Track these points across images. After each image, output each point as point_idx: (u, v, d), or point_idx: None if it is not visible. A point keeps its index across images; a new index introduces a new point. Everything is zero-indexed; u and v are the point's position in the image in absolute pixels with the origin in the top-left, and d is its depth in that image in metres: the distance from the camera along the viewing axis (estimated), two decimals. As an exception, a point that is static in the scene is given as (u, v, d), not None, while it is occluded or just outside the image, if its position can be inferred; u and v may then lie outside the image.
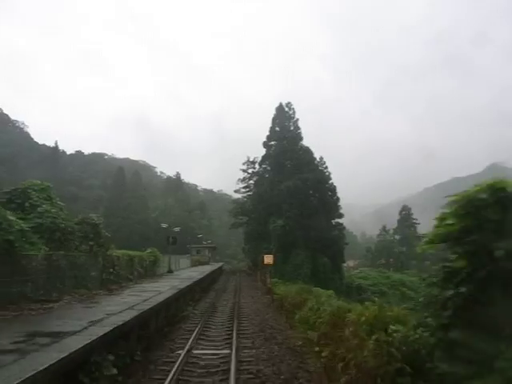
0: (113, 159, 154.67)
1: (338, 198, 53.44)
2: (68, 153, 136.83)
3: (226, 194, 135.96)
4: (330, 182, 53.65)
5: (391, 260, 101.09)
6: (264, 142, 58.06)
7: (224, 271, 59.57)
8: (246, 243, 62.41)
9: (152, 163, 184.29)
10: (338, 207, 53.45)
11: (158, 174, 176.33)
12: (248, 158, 58.10)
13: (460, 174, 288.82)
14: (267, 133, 58.15)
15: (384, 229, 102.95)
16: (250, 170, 58.46)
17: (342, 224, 53.91)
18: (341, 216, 53.83)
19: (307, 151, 52.91)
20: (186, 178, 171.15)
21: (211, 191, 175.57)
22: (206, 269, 36.98)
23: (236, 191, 58.91)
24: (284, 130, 56.85)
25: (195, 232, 73.08)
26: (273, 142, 58.20)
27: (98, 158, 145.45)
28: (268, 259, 29.34)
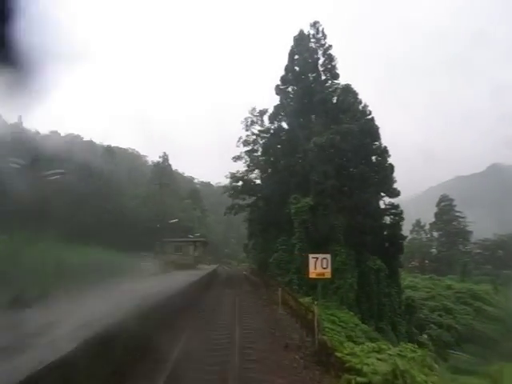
0: (100, 146, 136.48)
1: (391, 166, 34.40)
2: (42, 133, 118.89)
3: (224, 187, 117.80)
4: (379, 140, 34.68)
5: (426, 262, 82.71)
6: (277, 86, 38.93)
7: (219, 277, 40.91)
8: (250, 237, 43.24)
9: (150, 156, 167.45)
10: (392, 179, 34.46)
11: (150, 163, 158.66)
12: (253, 108, 38.72)
13: (463, 173, 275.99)
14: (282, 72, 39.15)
15: (418, 224, 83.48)
16: (256, 128, 39.07)
17: (398, 206, 34.86)
18: (397, 193, 34.76)
19: (347, 91, 33.64)
20: (185, 172, 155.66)
21: (209, 184, 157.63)
22: (166, 289, 17.58)
23: (235, 158, 38.92)
24: (308, 68, 37.67)
25: (180, 222, 53.44)
26: (290, 88, 39.22)
27: (78, 140, 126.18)
28: (321, 266, 10.35)
